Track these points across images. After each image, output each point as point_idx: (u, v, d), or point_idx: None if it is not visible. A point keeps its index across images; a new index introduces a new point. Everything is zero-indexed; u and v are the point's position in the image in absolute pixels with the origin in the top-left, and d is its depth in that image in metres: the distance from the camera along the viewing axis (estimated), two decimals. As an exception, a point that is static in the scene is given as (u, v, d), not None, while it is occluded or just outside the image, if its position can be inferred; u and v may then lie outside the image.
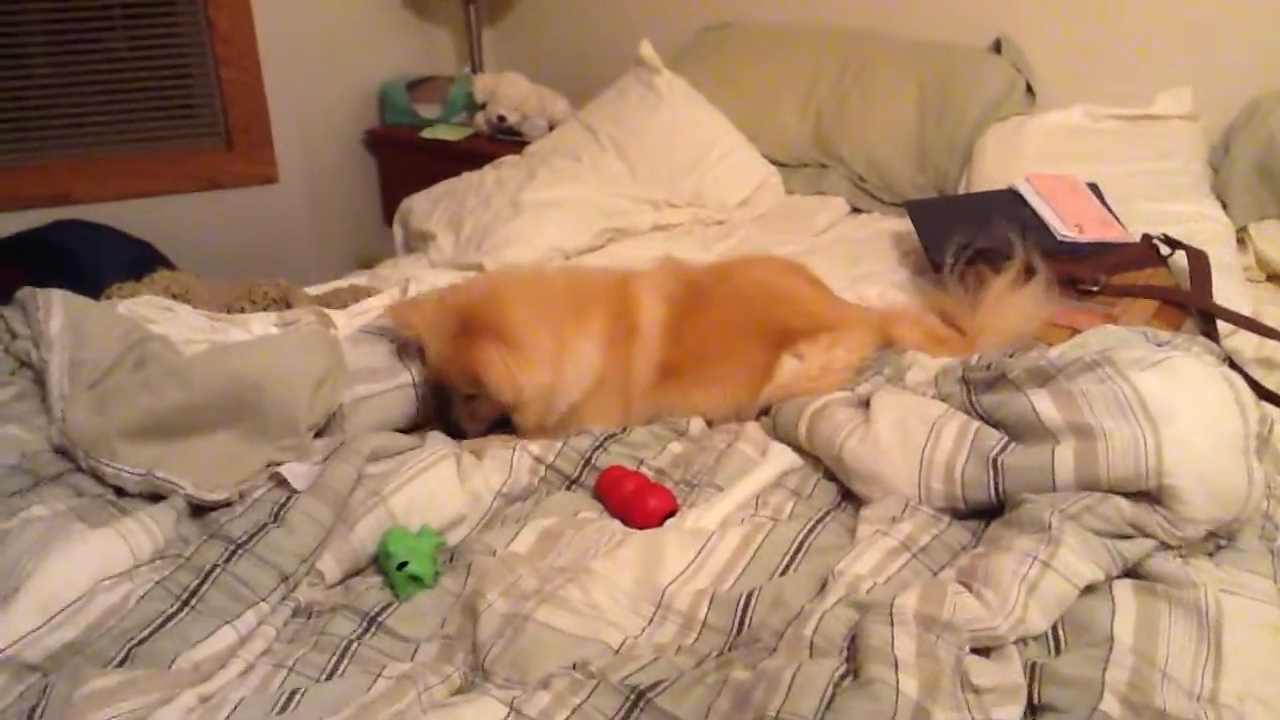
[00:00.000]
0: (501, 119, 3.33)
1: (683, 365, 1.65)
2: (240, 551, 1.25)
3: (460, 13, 3.64)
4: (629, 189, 2.64)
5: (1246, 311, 1.86)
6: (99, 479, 1.42)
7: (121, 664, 1.13)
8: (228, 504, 1.37)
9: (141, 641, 1.15)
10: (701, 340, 1.66)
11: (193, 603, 1.20)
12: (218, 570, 1.23)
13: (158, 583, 1.22)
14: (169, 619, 1.18)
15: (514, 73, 3.41)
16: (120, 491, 1.42)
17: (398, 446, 1.47)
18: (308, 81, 3.51)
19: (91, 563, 1.23)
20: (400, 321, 1.67)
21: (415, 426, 1.66)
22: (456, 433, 1.63)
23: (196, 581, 1.22)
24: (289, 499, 1.31)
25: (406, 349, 1.67)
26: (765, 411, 1.66)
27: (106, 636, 1.15)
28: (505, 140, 3.29)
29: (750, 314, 1.69)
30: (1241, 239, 2.25)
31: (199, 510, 1.37)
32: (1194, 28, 2.52)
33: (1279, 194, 2.27)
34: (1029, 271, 1.82)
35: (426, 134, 3.49)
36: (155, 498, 1.39)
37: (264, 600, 1.22)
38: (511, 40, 3.80)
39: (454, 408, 1.65)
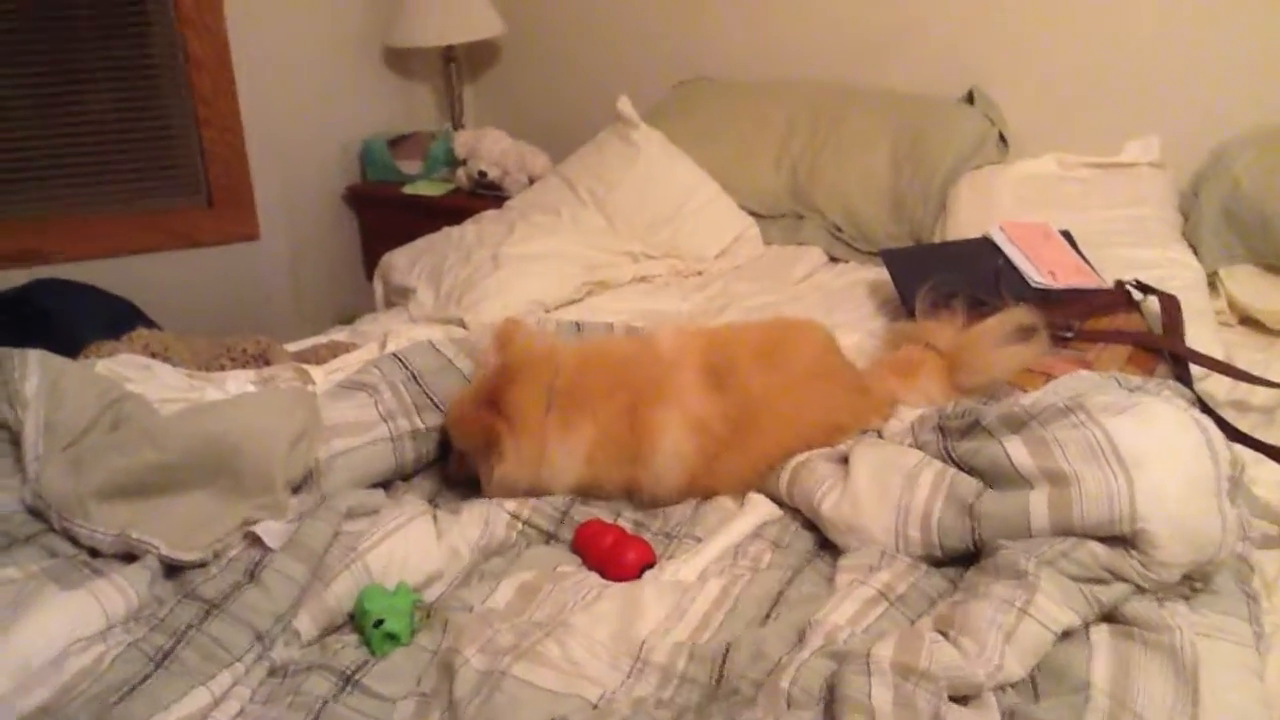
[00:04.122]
0: (482, 174, 3.36)
1: (712, 482, 1.58)
2: (215, 611, 1.24)
3: (441, 70, 3.68)
4: (608, 242, 2.66)
5: (1219, 355, 1.88)
6: (73, 540, 1.41)
7: (93, 728, 1.11)
8: (203, 564, 1.36)
9: (115, 704, 1.13)
10: (741, 459, 1.56)
11: (167, 664, 1.19)
12: (192, 631, 1.22)
13: (131, 644, 1.21)
14: (142, 681, 1.16)
15: (494, 129, 3.45)
16: (94, 552, 1.40)
17: (374, 504, 1.47)
18: (289, 139, 3.53)
19: (64, 625, 1.22)
20: (499, 343, 1.63)
21: (399, 480, 1.66)
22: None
23: (171, 642, 1.21)
24: (264, 558, 1.31)
25: (384, 400, 1.66)
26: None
27: (79, 700, 1.14)
28: (486, 195, 3.32)
29: (796, 428, 1.59)
30: (1213, 283, 2.28)
31: (174, 570, 1.37)
32: (1161, 78, 2.57)
33: (1247, 238, 2.30)
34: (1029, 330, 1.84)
35: (408, 190, 3.52)
36: (130, 558, 1.38)
37: (239, 660, 1.21)
38: (492, 97, 3.84)
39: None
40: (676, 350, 1.62)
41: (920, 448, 1.49)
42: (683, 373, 1.58)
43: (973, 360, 1.78)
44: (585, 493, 1.58)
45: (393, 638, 1.27)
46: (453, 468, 1.65)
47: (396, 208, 3.54)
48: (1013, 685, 1.14)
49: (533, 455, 1.53)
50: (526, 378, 1.56)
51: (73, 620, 1.23)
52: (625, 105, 2.93)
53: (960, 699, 1.11)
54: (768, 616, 1.30)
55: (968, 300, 1.92)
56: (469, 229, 2.73)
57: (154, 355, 1.95)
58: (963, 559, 1.36)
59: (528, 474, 1.54)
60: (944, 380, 1.74)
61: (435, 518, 1.47)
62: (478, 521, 1.48)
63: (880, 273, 2.39)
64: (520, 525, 1.50)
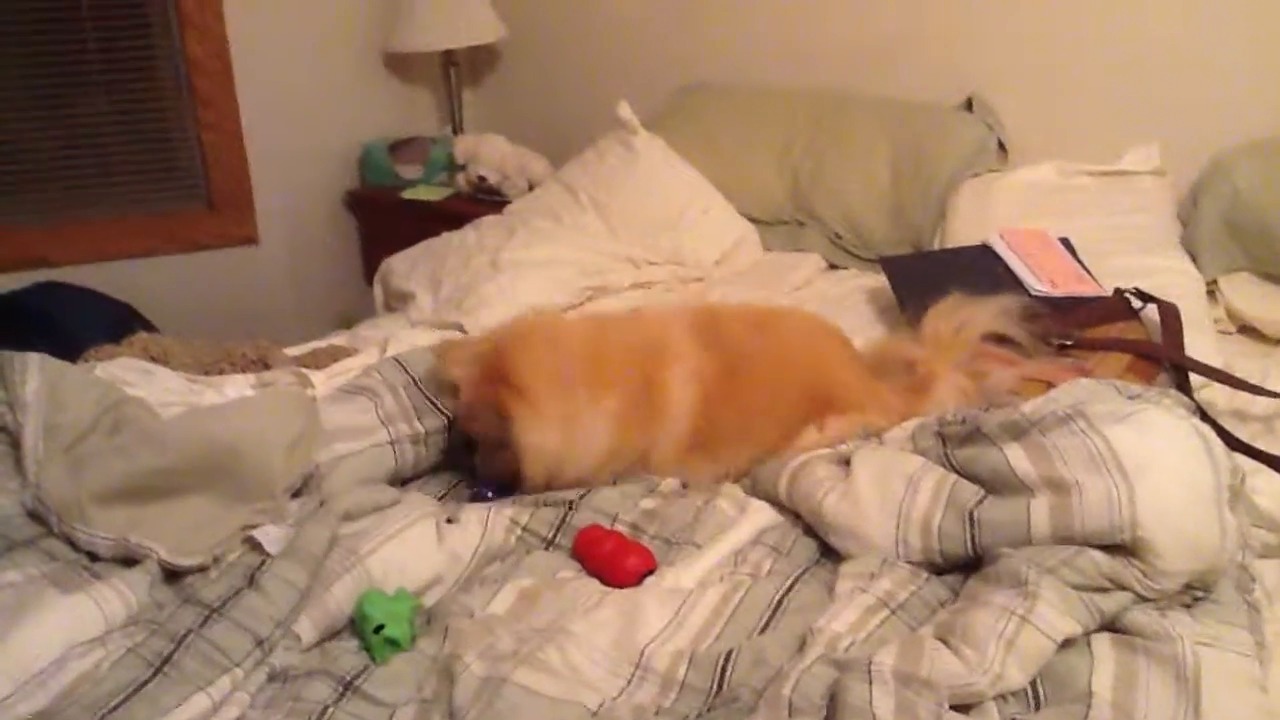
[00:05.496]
0: (482, 179, 3.36)
1: (712, 438, 1.63)
2: (215, 616, 1.24)
3: (441, 75, 3.69)
4: (608, 247, 2.67)
5: (1218, 363, 1.88)
6: (72, 544, 1.41)
7: (92, 733, 1.11)
8: (202, 569, 1.35)
9: (113, 709, 1.12)
10: (734, 410, 1.63)
11: (166, 669, 1.18)
12: (191, 636, 1.21)
13: (131, 649, 1.20)
14: (142, 686, 1.16)
15: (494, 134, 3.45)
16: (94, 556, 1.40)
17: (374, 502, 1.46)
18: (289, 143, 3.54)
19: (63, 629, 1.22)
20: (444, 362, 1.67)
21: (399, 483, 1.66)
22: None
23: (170, 647, 1.20)
24: (263, 563, 1.30)
25: (384, 404, 1.67)
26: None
27: (77, 705, 1.13)
28: (485, 200, 3.32)
29: (788, 378, 1.67)
30: (1212, 291, 2.28)
31: (173, 575, 1.36)
32: (1160, 86, 2.57)
33: (1247, 246, 2.30)
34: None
35: (407, 195, 3.52)
36: (129, 562, 1.38)
37: (238, 666, 1.20)
38: (492, 102, 3.84)
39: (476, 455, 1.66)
40: (665, 316, 1.73)
41: (921, 454, 1.49)
42: (675, 333, 1.67)
43: (945, 336, 1.81)
44: (605, 467, 1.59)
45: (393, 643, 1.26)
46: (481, 467, 1.65)
47: (396, 212, 3.54)
48: (1014, 694, 1.14)
49: (561, 417, 1.54)
50: (533, 344, 1.59)
51: (72, 625, 1.23)
52: (625, 111, 2.94)
53: (962, 707, 1.11)
54: (768, 624, 1.30)
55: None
56: (468, 234, 2.73)
57: (153, 359, 1.95)
58: (963, 566, 1.36)
59: (557, 439, 1.54)
60: (957, 389, 1.74)
61: (448, 519, 1.47)
62: (477, 526, 1.47)
63: (879, 280, 2.39)
64: (520, 530, 1.50)
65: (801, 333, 1.78)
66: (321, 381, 1.88)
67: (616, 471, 1.62)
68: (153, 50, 3.34)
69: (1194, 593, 1.28)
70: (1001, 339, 1.87)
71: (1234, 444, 1.59)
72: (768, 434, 1.65)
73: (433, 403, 1.67)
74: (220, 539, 1.39)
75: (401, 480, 1.66)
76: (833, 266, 2.72)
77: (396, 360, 1.74)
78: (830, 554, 1.46)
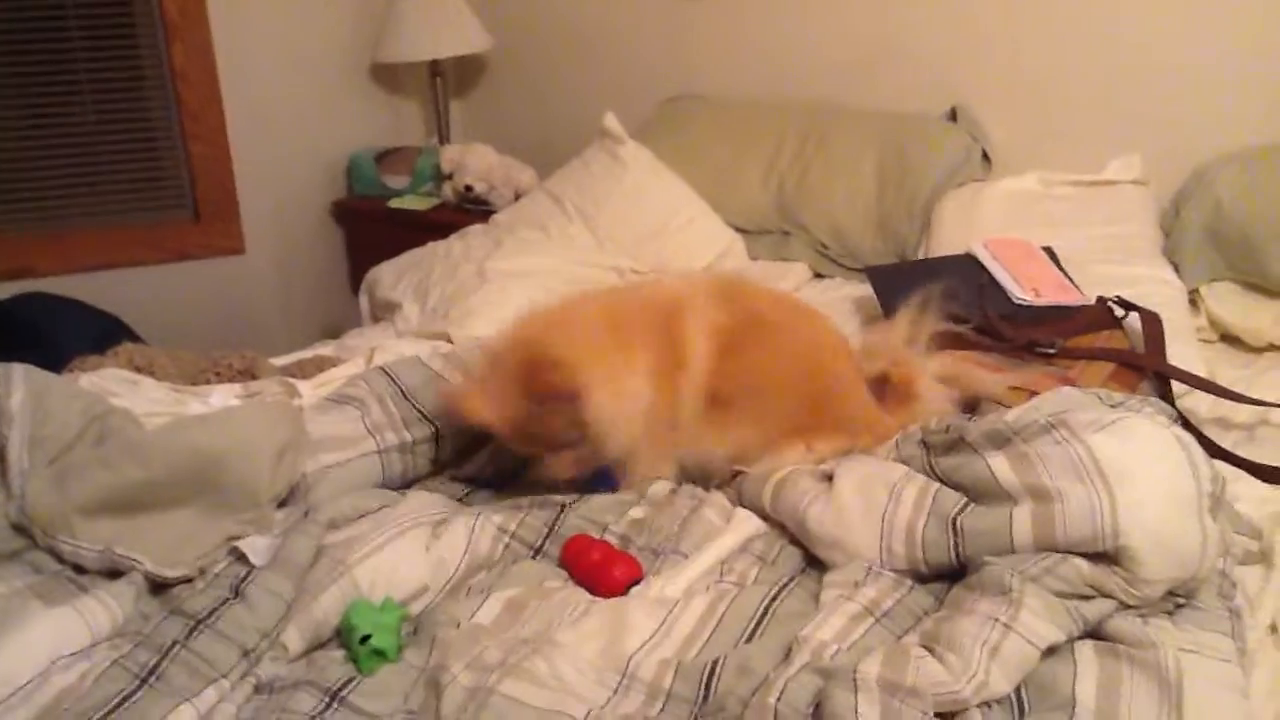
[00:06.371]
0: (469, 189, 3.36)
1: (731, 396, 1.62)
2: (200, 628, 1.24)
3: (428, 85, 3.69)
4: (594, 257, 2.67)
5: (1200, 371, 1.89)
6: (57, 556, 1.41)
7: (77, 746, 1.11)
8: (188, 580, 1.35)
9: (99, 722, 1.13)
10: (753, 373, 1.63)
11: (151, 681, 1.18)
12: (177, 647, 1.21)
13: (116, 661, 1.20)
14: (127, 698, 1.16)
15: (481, 144, 3.45)
16: (79, 569, 1.40)
17: (357, 509, 1.46)
18: (275, 153, 3.54)
19: (47, 642, 1.22)
20: (464, 409, 1.56)
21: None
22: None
23: (156, 659, 1.20)
24: (250, 574, 1.30)
25: (371, 414, 1.67)
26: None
27: (63, 718, 1.13)
28: (472, 210, 3.32)
29: (802, 374, 1.67)
30: (1194, 300, 2.30)
31: (159, 587, 1.36)
32: (1142, 97, 2.60)
33: (1229, 256, 2.32)
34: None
35: (394, 204, 3.52)
36: (115, 574, 1.38)
37: (224, 677, 1.20)
38: (478, 112, 3.85)
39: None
40: (685, 281, 1.74)
41: (904, 462, 1.50)
42: (695, 294, 1.69)
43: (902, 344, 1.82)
44: (641, 457, 1.60)
45: (380, 654, 1.26)
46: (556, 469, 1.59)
47: (383, 222, 3.54)
48: (998, 701, 1.15)
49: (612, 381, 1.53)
50: (554, 326, 1.57)
51: (57, 637, 1.23)
52: (612, 121, 2.95)
53: (947, 715, 1.12)
54: (754, 632, 1.30)
55: (949, 316, 1.93)
56: (455, 244, 2.73)
57: (139, 370, 1.94)
58: (948, 575, 1.37)
59: (618, 402, 1.53)
60: (938, 380, 1.75)
61: (430, 529, 1.46)
62: (463, 534, 1.47)
63: (865, 289, 2.40)
64: (508, 539, 1.50)
65: (826, 334, 1.76)
66: (308, 391, 1.88)
67: (648, 445, 1.61)
68: (139, 61, 3.34)
69: (1176, 600, 1.29)
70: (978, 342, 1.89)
71: (1216, 451, 1.60)
72: (769, 410, 1.65)
73: (420, 412, 1.67)
74: (206, 550, 1.39)
75: (393, 490, 1.66)
76: (818, 276, 2.73)
77: (384, 370, 1.74)
78: (816, 563, 1.47)
